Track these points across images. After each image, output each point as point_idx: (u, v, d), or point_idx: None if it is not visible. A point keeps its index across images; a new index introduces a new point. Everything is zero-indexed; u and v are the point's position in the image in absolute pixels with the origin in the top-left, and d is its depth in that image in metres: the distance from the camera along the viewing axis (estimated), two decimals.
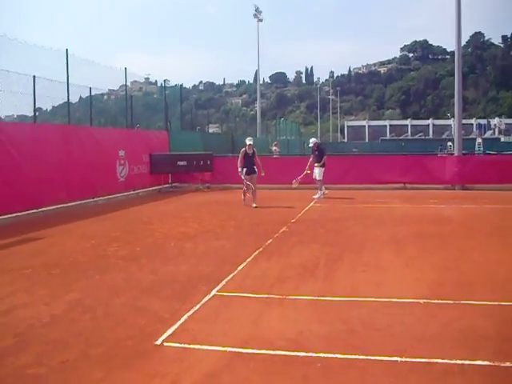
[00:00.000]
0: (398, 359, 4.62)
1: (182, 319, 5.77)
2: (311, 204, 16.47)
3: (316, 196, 18.52)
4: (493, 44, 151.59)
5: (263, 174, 16.39)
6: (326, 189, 18.97)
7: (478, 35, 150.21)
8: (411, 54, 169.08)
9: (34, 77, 15.27)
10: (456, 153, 22.33)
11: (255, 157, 16.44)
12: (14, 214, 13.98)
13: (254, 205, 15.88)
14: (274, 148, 30.81)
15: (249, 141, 16.44)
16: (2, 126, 14.47)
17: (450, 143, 42.04)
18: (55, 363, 4.70)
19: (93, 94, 19.20)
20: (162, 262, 8.79)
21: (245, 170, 16.15)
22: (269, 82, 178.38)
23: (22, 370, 4.57)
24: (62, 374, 4.49)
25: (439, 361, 4.58)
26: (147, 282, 7.45)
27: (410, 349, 4.84)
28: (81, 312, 6.16)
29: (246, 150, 16.30)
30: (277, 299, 6.49)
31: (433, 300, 6.31)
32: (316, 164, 18.73)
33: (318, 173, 18.67)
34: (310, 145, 19.59)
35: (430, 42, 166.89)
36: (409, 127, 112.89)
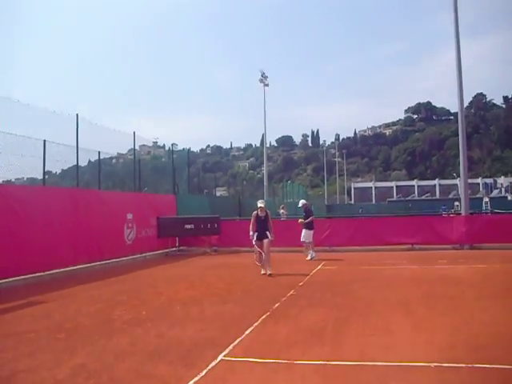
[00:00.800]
0: None
1: None
2: (319, 267, 16.35)
3: (308, 258, 18.65)
4: (495, 104, 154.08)
5: (271, 238, 15.07)
6: (314, 252, 18.94)
7: (479, 96, 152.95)
8: (415, 116, 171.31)
9: (45, 141, 15.59)
10: (463, 212, 22.30)
11: (268, 220, 15.15)
12: (20, 277, 13.95)
13: (268, 272, 14.46)
14: (281, 211, 30.87)
15: (260, 203, 15.38)
16: (12, 189, 14.62)
17: (456, 203, 42.06)
18: None
19: (101, 157, 19.50)
20: (168, 326, 8.67)
21: (256, 234, 14.96)
22: (275, 145, 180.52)
23: None
24: None
25: None
26: (153, 347, 7.34)
27: None
28: (85, 377, 6.05)
29: (257, 213, 15.11)
30: (284, 364, 6.36)
31: (444, 363, 6.16)
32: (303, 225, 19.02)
33: (303, 235, 18.91)
34: (299, 205, 20.19)
35: (433, 104, 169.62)
36: (415, 188, 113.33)
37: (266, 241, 14.81)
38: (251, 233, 15.02)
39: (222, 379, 5.90)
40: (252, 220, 15.13)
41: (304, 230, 18.87)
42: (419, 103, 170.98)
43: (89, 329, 8.57)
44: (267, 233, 14.92)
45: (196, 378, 5.88)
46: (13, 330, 8.52)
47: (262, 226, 15.01)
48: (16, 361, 6.78)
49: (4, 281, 13.39)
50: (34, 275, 14.48)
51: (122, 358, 6.79)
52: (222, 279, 14.19)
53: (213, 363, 6.44)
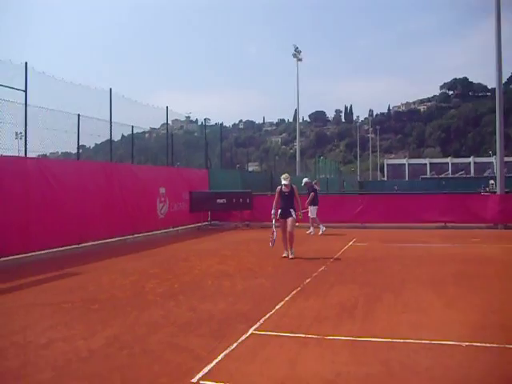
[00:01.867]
0: None
1: (219, 358, 5.72)
2: (350, 243, 16.31)
3: (320, 232, 19.33)
4: None
5: (301, 217, 13.84)
6: (324, 226, 19.62)
7: None
8: (451, 92, 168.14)
9: (79, 115, 15.75)
10: (498, 191, 21.91)
11: (294, 197, 13.72)
12: (55, 249, 14.23)
13: (290, 256, 13.31)
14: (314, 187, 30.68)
15: (284, 180, 13.72)
16: (47, 163, 14.84)
17: (492, 181, 41.33)
18: None
19: (134, 132, 19.65)
20: (200, 299, 8.77)
21: (279, 212, 13.67)
22: (308, 120, 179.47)
23: None
24: None
25: None
26: (185, 320, 7.44)
27: None
28: (118, 348, 6.17)
29: (281, 188, 13.72)
30: (314, 339, 6.39)
31: (475, 343, 6.12)
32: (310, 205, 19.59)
33: (309, 211, 19.60)
34: (303, 184, 20.41)
35: (470, 80, 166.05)
36: (449, 165, 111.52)
37: (289, 220, 13.42)
38: (273, 210, 13.78)
39: (252, 352, 5.96)
40: (275, 196, 13.88)
41: (309, 207, 19.50)
42: (455, 79, 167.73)
43: (122, 301, 8.72)
44: (291, 211, 13.50)
45: (227, 351, 5.94)
46: (50, 300, 8.72)
47: (286, 202, 13.65)
48: (53, 329, 6.95)
49: (40, 252, 13.68)
50: (68, 247, 14.76)
51: (154, 330, 6.90)
52: (254, 254, 14.26)
53: (243, 337, 6.51)
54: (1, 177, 12.55)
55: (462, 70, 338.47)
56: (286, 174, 14.09)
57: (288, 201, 13.63)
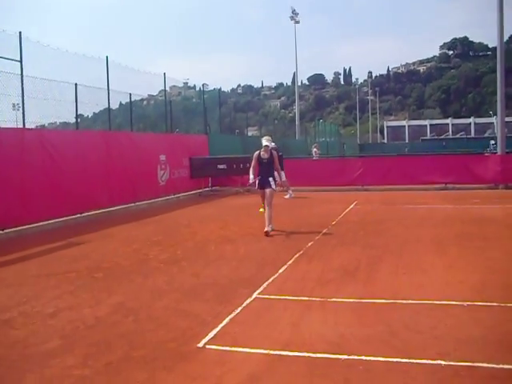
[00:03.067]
0: (442, 362, 4.54)
1: (224, 322, 5.80)
2: (351, 206, 16.34)
3: (287, 196, 19.31)
4: None
5: (275, 188, 12.09)
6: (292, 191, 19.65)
7: None
8: (451, 52, 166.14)
9: (76, 84, 15.64)
10: (499, 151, 21.84)
11: (274, 163, 12.04)
12: (57, 220, 14.27)
13: (269, 229, 11.57)
14: (314, 150, 30.65)
15: (266, 141, 12.03)
16: (46, 133, 14.79)
17: (492, 142, 41.18)
18: (100, 365, 4.78)
19: (132, 99, 19.53)
20: (203, 265, 8.84)
21: (257, 181, 12.00)
22: (307, 83, 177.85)
23: (68, 371, 4.67)
24: (106, 375, 4.57)
25: (484, 365, 4.47)
26: (189, 285, 7.51)
27: (454, 352, 4.75)
28: (124, 315, 6.25)
29: (259, 154, 11.98)
30: (318, 302, 6.47)
31: (477, 302, 6.19)
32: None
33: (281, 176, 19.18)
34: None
35: (470, 39, 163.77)
36: (450, 126, 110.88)
37: (268, 191, 11.86)
38: (251, 175, 11.99)
39: (257, 316, 6.04)
40: (252, 162, 12.07)
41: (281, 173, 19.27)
42: (455, 38, 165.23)
43: (126, 268, 8.80)
44: (270, 180, 11.90)
45: (232, 315, 6.02)
46: (54, 270, 8.79)
47: (264, 171, 11.94)
48: (59, 299, 7.03)
49: (42, 223, 13.71)
50: (71, 217, 14.78)
51: (158, 297, 6.98)
52: (256, 219, 14.25)
53: (248, 301, 6.58)
54: (0, 149, 12.51)
55: (462, 30, 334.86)
56: (269, 137, 12.52)
57: (267, 168, 11.92)
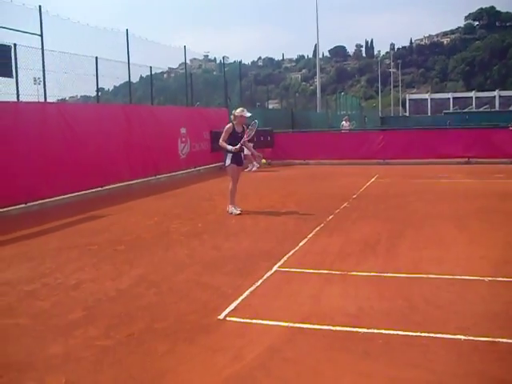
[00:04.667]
0: (461, 337, 4.52)
1: (244, 294, 5.83)
2: (372, 179, 16.25)
3: (252, 168, 19.93)
4: None
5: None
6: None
7: None
8: (476, 23, 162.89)
9: (97, 58, 15.64)
10: None
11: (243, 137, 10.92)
12: (79, 193, 14.38)
13: (234, 210, 10.97)
14: (342, 123, 30.22)
15: (242, 112, 10.93)
16: (67, 107, 14.85)
17: None
18: (122, 336, 4.84)
19: (153, 72, 19.51)
20: (224, 238, 8.87)
21: (230, 156, 10.84)
22: (328, 56, 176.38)
23: (91, 342, 4.73)
24: (128, 346, 4.63)
25: (504, 340, 4.44)
26: (209, 258, 7.55)
27: (474, 327, 4.73)
28: (145, 287, 6.31)
29: (233, 127, 10.88)
30: (338, 275, 6.47)
31: (498, 278, 6.14)
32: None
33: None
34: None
35: (497, 9, 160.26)
36: (473, 99, 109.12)
37: (240, 168, 11.39)
38: (230, 147, 10.70)
39: (277, 288, 6.06)
40: (223, 135, 10.85)
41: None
42: (481, 8, 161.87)
43: (147, 241, 8.86)
44: (242, 156, 11.28)
45: (252, 288, 6.05)
46: (76, 242, 8.87)
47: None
48: (81, 271, 7.11)
49: (64, 197, 13.82)
50: (92, 190, 14.89)
51: (180, 269, 7.02)
52: (276, 191, 14.29)
53: (268, 273, 6.60)
54: (23, 123, 12.58)
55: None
56: (242, 108, 11.21)
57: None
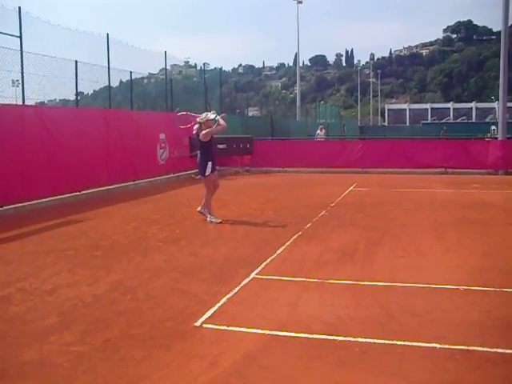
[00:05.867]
0: (437, 345, 4.57)
1: (221, 301, 5.82)
2: (350, 188, 16.34)
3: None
4: None
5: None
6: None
7: None
8: (454, 35, 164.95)
9: (76, 61, 15.56)
10: (500, 137, 21.76)
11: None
12: (57, 197, 14.26)
13: (213, 219, 10.71)
14: (317, 132, 30.31)
15: (205, 116, 10.87)
16: (45, 110, 14.73)
17: (493, 127, 41.02)
18: (98, 342, 4.81)
19: (133, 77, 19.48)
20: (202, 244, 8.87)
21: (210, 164, 10.82)
22: (308, 64, 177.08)
23: (66, 348, 4.69)
24: (104, 352, 4.59)
25: (479, 349, 4.49)
26: (187, 264, 7.53)
27: (449, 335, 4.78)
28: (122, 293, 6.27)
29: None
30: (315, 283, 6.49)
31: (473, 287, 6.21)
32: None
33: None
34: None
35: (474, 22, 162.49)
36: (451, 110, 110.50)
37: (216, 173, 11.29)
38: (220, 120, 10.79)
39: (254, 296, 6.06)
40: (208, 131, 10.72)
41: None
42: (459, 22, 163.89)
43: (124, 246, 8.81)
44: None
45: (229, 295, 6.04)
46: (53, 247, 8.80)
47: (212, 152, 11.15)
48: (57, 276, 7.04)
49: (41, 201, 13.69)
50: (69, 195, 14.77)
51: (156, 275, 6.99)
52: (254, 199, 14.30)
53: (245, 281, 6.60)
54: (0, 125, 12.46)
55: (466, 13, 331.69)
56: (214, 111, 11.38)
57: (212, 150, 11.10)
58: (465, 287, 6.18)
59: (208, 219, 10.74)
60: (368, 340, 4.72)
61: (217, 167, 11.26)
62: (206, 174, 10.75)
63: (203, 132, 10.69)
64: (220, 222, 10.61)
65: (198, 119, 10.91)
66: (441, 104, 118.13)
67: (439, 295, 5.99)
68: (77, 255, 8.21)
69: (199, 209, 11.08)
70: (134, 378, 4.11)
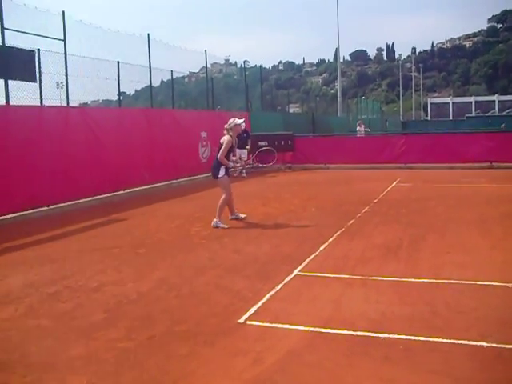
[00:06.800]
0: (484, 344, 4.46)
1: (265, 298, 5.83)
2: (393, 184, 16.14)
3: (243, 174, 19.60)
4: None
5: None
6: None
7: None
8: (500, 25, 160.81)
9: (118, 62, 15.78)
10: None
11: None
12: (101, 196, 14.51)
13: (216, 224, 10.18)
14: (357, 128, 30.11)
15: (233, 122, 10.78)
16: (89, 111, 14.99)
17: None
18: (143, 338, 4.87)
19: (174, 77, 19.66)
20: (245, 241, 8.88)
21: (224, 170, 10.50)
22: (349, 59, 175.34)
23: (112, 344, 4.77)
24: (149, 348, 4.65)
25: None
26: (230, 262, 7.56)
27: (497, 334, 4.67)
28: (166, 290, 6.33)
29: (232, 140, 10.64)
30: (359, 280, 6.43)
31: None
32: (246, 147, 19.35)
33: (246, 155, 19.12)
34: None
35: None
36: (496, 103, 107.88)
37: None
38: (230, 163, 10.84)
39: (297, 293, 6.05)
40: (224, 150, 10.39)
41: (246, 151, 19.36)
42: (505, 11, 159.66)
43: (168, 244, 8.90)
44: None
45: (272, 292, 6.04)
46: (98, 245, 8.95)
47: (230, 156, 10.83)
48: (102, 273, 7.16)
49: (86, 200, 13.94)
50: (113, 194, 15.02)
51: (200, 272, 7.04)
52: (297, 196, 14.26)
53: (288, 278, 6.59)
54: (46, 127, 12.73)
55: None
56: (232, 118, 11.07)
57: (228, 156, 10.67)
58: None
59: (214, 223, 10.21)
60: (413, 337, 4.66)
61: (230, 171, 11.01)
62: (220, 175, 10.44)
63: (221, 150, 10.37)
64: (227, 228, 10.11)
65: (225, 125, 10.73)
66: (485, 97, 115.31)
67: (485, 292, 5.86)
68: (121, 253, 8.33)
69: (231, 216, 10.84)
70: (179, 374, 4.15)
